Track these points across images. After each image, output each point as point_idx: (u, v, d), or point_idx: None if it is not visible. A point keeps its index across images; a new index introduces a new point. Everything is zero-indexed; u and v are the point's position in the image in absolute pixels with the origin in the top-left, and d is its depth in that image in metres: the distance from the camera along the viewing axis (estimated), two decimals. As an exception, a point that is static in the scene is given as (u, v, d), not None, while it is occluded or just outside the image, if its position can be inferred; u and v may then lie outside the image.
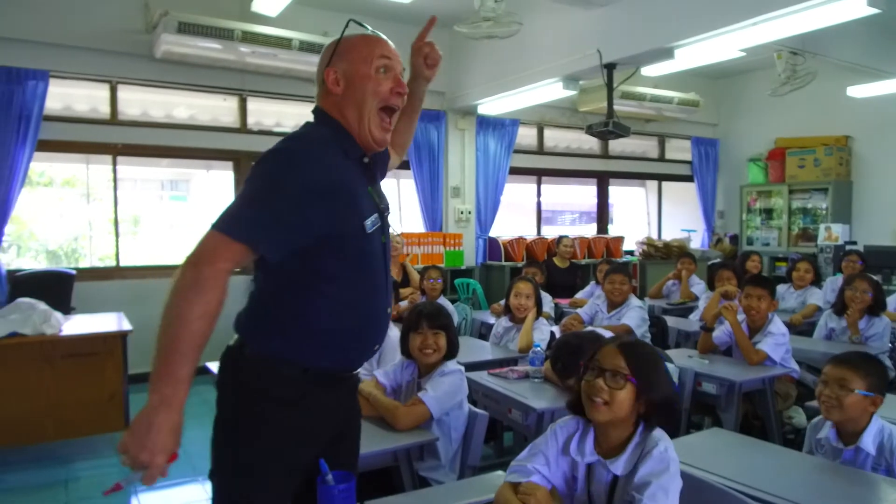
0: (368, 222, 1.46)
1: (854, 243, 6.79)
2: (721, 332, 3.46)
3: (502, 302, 4.91)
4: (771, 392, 3.08)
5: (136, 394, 4.87)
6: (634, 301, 4.21)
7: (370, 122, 1.49)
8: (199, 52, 5.17)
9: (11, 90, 4.90)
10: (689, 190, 9.09)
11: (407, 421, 2.18)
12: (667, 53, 4.61)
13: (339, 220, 1.41)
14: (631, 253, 8.32)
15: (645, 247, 8.23)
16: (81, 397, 3.62)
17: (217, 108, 6.02)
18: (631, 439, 1.53)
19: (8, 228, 5.05)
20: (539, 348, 2.89)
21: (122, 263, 5.65)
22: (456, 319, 4.70)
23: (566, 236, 6.60)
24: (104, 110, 5.49)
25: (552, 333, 3.76)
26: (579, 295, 5.55)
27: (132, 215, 6.55)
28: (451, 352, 2.48)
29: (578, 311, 4.38)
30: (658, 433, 1.53)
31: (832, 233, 6.89)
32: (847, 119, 7.55)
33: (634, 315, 4.09)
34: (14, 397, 3.48)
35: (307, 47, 5.41)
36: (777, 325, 3.32)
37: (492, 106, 6.62)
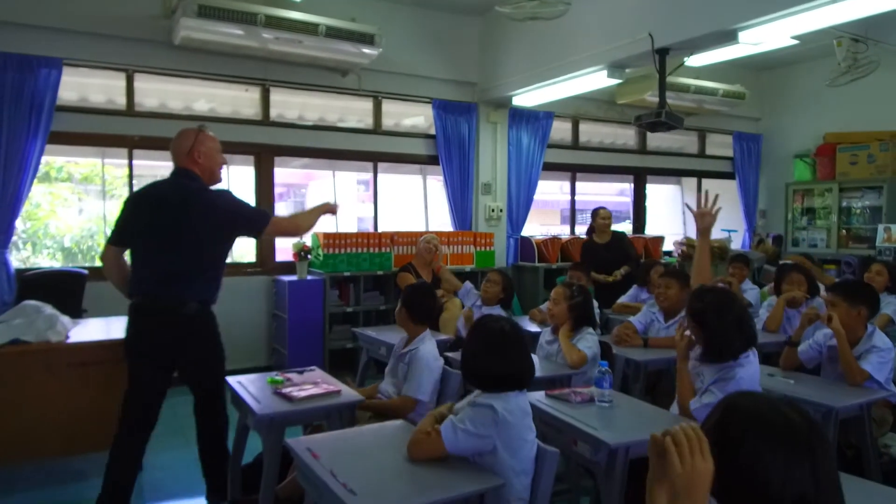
0: None
1: (914, 245, 6.34)
2: (808, 347, 3.04)
3: (543, 307, 4.54)
4: (868, 418, 2.69)
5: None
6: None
7: None
8: (221, 38, 4.86)
9: (23, 78, 4.64)
10: (730, 188, 8.63)
11: (419, 453, 1.96)
12: (729, 36, 4.17)
13: None
14: (669, 254, 7.91)
15: (684, 247, 7.80)
16: (91, 410, 3.28)
17: (238, 99, 5.71)
18: None
19: (24, 225, 4.77)
20: (606, 367, 2.50)
21: (139, 262, 5.36)
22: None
23: (603, 208, 5.98)
24: (120, 101, 5.21)
25: (608, 346, 3.37)
26: (624, 299, 5.14)
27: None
28: None
29: (631, 319, 3.97)
30: None
31: (892, 234, 6.42)
32: (905, 112, 7.08)
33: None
34: (14, 410, 3.17)
35: (334, 33, 5.07)
36: (881, 339, 2.89)
37: (527, 97, 6.22)
